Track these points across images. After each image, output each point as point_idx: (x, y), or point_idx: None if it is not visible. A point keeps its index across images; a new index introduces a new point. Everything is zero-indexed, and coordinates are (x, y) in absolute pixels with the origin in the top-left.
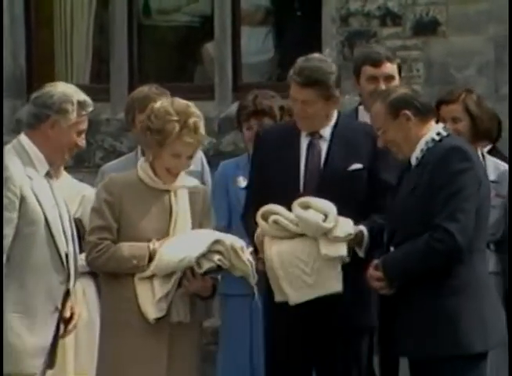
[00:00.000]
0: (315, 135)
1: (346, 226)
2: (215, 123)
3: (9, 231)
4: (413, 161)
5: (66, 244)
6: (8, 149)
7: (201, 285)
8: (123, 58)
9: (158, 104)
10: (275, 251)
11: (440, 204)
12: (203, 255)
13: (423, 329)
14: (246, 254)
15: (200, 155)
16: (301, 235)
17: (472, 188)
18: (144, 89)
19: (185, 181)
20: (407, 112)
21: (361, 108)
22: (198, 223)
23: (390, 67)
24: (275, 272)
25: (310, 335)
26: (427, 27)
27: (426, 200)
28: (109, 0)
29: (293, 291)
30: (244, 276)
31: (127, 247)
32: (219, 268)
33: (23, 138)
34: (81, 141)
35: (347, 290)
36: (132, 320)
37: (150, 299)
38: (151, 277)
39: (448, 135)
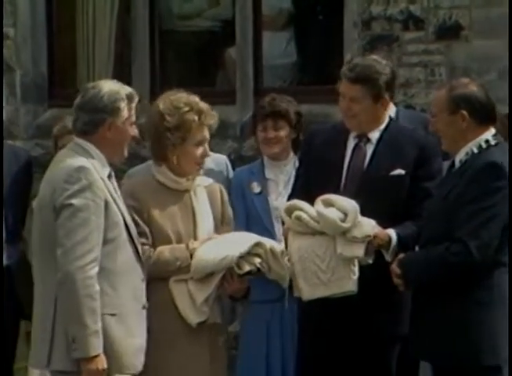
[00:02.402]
0: (362, 137)
1: (366, 227)
2: (237, 127)
3: (98, 238)
4: (457, 163)
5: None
6: (65, 152)
7: (238, 287)
8: (144, 63)
9: (161, 105)
10: (296, 246)
11: (465, 217)
12: (242, 257)
13: (444, 336)
14: (285, 259)
15: (224, 159)
16: (322, 232)
17: (502, 207)
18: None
19: (201, 180)
20: (465, 113)
21: None
22: (219, 220)
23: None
24: (293, 267)
25: (343, 343)
26: (449, 32)
27: (453, 211)
28: (131, 5)
29: (307, 287)
30: (278, 280)
31: (168, 250)
32: (258, 270)
33: (80, 141)
34: (134, 131)
35: (383, 297)
36: (171, 325)
37: (189, 303)
38: (186, 280)
39: (496, 145)
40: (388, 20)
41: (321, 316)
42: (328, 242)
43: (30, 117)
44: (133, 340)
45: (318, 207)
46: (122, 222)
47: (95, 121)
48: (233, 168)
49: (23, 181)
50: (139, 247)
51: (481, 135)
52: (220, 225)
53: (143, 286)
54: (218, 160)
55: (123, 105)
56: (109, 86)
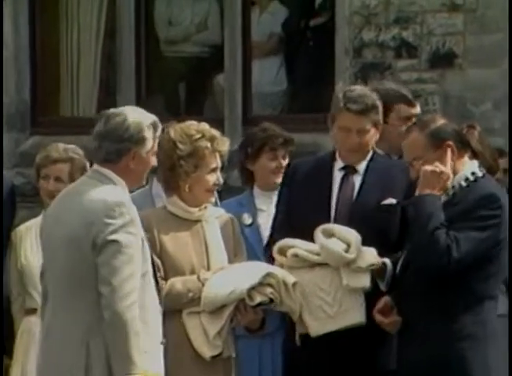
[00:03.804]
0: (349, 169)
1: (369, 256)
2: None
3: (139, 274)
4: (443, 197)
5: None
6: (86, 181)
7: (253, 318)
8: (130, 89)
9: (172, 133)
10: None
11: (457, 228)
12: (254, 288)
13: (435, 373)
14: (298, 292)
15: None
16: (321, 264)
17: (493, 231)
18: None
19: (213, 211)
20: (451, 143)
21: None
22: (232, 252)
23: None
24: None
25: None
26: (443, 59)
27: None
28: (117, 30)
29: (314, 322)
30: (289, 312)
31: (180, 282)
32: (271, 301)
33: (103, 170)
34: (154, 161)
35: (373, 330)
36: (186, 358)
37: (203, 336)
38: (199, 312)
39: (483, 176)
40: (380, 47)
41: (311, 351)
42: (331, 274)
43: (12, 145)
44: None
45: (319, 239)
46: (149, 256)
47: (120, 151)
48: (220, 199)
49: (7, 210)
50: (159, 280)
51: (465, 165)
52: (232, 257)
53: (161, 319)
54: None
55: (148, 135)
56: (135, 115)
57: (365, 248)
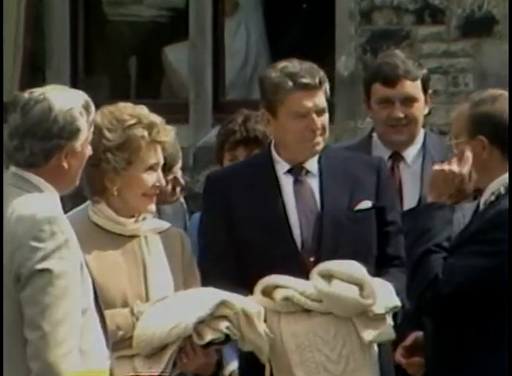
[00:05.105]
0: (299, 170)
1: (386, 296)
2: (189, 155)
3: (79, 311)
4: (481, 206)
5: None
6: (6, 190)
7: (203, 362)
8: (64, 65)
9: (98, 118)
10: (289, 330)
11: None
12: (204, 321)
13: None
14: (263, 324)
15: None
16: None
17: (504, 259)
18: None
19: (155, 223)
20: (484, 139)
21: (375, 137)
22: (180, 277)
23: (409, 86)
24: (286, 357)
25: None
26: (479, 26)
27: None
28: None
29: None
30: (255, 351)
31: (107, 317)
32: (227, 338)
33: (26, 174)
34: (90, 150)
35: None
36: None
37: None
38: (132, 356)
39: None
40: (396, 10)
41: None
42: (336, 322)
43: None
44: None
45: (320, 286)
46: (92, 288)
47: (49, 150)
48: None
49: None
50: (106, 316)
51: (504, 170)
52: (181, 285)
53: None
54: None
55: (82, 123)
56: (61, 98)
57: (375, 281)
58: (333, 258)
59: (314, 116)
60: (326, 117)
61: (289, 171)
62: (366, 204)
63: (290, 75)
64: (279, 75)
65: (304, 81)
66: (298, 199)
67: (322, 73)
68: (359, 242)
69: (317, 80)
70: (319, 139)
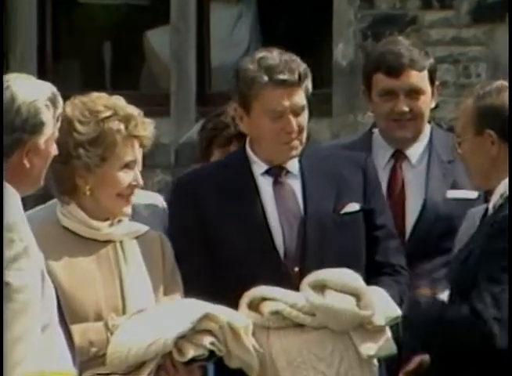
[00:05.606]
0: (279, 170)
1: (385, 305)
2: (171, 151)
3: (38, 327)
4: (490, 209)
5: None
6: None
7: None
8: (30, 50)
9: (69, 110)
10: (280, 346)
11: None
12: (185, 337)
13: None
14: (251, 339)
15: (158, 199)
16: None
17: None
18: None
19: (131, 227)
20: (492, 133)
21: (376, 133)
22: (160, 286)
23: (415, 76)
24: (277, 374)
25: None
26: (491, 11)
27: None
28: None
29: None
30: (243, 368)
31: (78, 332)
32: (212, 354)
33: None
34: (55, 149)
35: None
36: None
37: None
38: (107, 374)
39: None
40: None
41: None
42: (332, 337)
43: None
44: None
45: (313, 299)
46: (55, 298)
47: (9, 145)
48: None
49: None
50: (72, 331)
51: None
52: (161, 295)
53: None
54: (149, 200)
55: (47, 116)
56: (25, 88)
57: (370, 289)
58: (319, 267)
59: (290, 117)
60: (304, 116)
61: (267, 172)
62: (354, 206)
63: (266, 69)
64: (255, 68)
65: (282, 77)
66: (279, 202)
67: (303, 67)
68: (347, 248)
69: (296, 76)
70: (296, 142)
